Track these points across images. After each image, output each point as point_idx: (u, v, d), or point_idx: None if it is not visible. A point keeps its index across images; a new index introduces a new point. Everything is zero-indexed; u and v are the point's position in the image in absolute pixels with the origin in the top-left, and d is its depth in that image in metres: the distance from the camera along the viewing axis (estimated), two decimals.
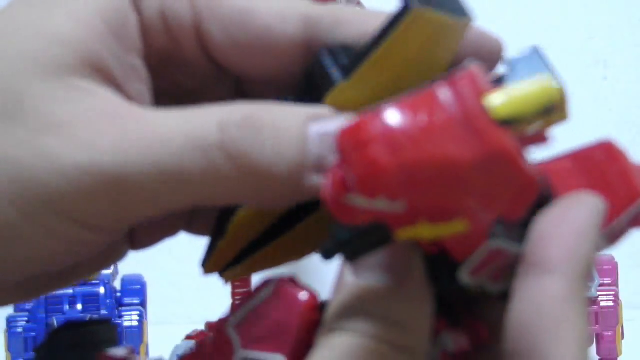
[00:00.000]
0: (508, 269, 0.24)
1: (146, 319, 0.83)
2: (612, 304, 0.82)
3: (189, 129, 0.25)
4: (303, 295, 0.26)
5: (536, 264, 0.23)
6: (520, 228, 0.24)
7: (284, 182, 0.25)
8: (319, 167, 0.25)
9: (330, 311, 0.24)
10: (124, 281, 0.84)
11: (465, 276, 0.24)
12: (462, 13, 0.26)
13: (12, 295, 0.29)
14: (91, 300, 0.79)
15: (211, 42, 0.28)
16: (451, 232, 0.22)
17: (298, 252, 0.30)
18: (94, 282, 0.80)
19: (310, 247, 0.30)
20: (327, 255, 0.24)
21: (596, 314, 0.82)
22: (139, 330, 0.81)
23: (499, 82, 0.26)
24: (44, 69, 0.26)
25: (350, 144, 0.21)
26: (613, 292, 0.83)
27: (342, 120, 0.25)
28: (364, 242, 0.23)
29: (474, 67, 0.22)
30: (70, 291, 0.79)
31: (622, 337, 0.84)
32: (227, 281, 0.30)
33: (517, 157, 0.21)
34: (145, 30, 0.28)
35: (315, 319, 0.26)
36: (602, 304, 0.82)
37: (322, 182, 0.23)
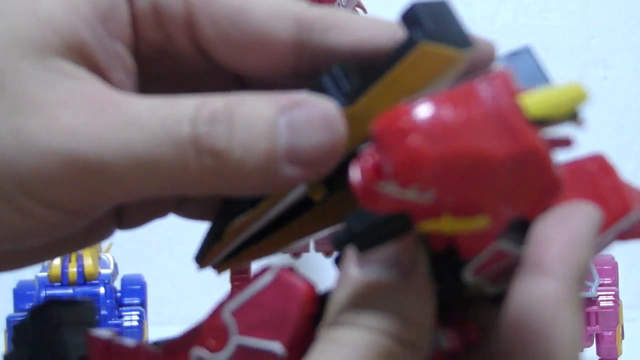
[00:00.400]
0: (505, 272, 0.25)
1: (146, 319, 0.83)
2: (612, 304, 0.82)
3: (165, 121, 0.25)
4: (303, 285, 0.27)
5: (533, 265, 0.23)
6: (519, 232, 0.24)
7: (256, 175, 0.25)
8: (292, 158, 0.25)
9: (334, 304, 0.25)
10: (124, 281, 0.84)
11: (468, 274, 0.25)
12: (465, 43, 0.27)
13: None
14: (91, 301, 0.79)
15: (203, 37, 0.28)
16: (471, 228, 0.23)
17: (288, 244, 0.30)
18: (94, 282, 0.80)
19: (299, 238, 0.30)
20: (339, 245, 0.24)
21: (596, 314, 0.82)
22: (139, 330, 0.81)
23: None
24: (26, 49, 0.26)
25: (390, 131, 0.21)
26: (613, 292, 0.83)
27: (317, 106, 0.25)
28: (377, 235, 0.24)
29: (504, 69, 0.22)
30: (70, 291, 0.79)
31: (622, 337, 0.84)
32: (219, 273, 0.30)
33: (548, 156, 0.22)
34: (136, 20, 0.28)
35: (313, 310, 0.27)
36: (602, 304, 0.82)
37: (354, 172, 0.23)
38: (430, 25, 0.25)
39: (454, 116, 0.21)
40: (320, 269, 0.96)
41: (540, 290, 0.23)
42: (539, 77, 0.27)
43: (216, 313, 0.28)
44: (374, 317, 0.23)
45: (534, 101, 0.22)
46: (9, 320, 0.79)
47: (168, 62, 0.29)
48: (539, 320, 0.23)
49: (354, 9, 0.68)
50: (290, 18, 0.28)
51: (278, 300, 0.26)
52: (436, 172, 0.21)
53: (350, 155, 0.25)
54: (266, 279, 0.27)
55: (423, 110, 0.21)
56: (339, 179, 0.25)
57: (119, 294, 0.83)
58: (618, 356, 0.83)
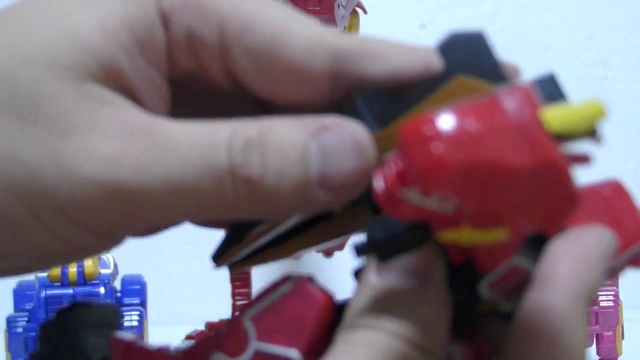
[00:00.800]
0: (519, 289, 0.25)
1: (146, 319, 0.83)
2: (612, 304, 0.82)
3: (202, 149, 0.25)
4: (321, 294, 0.27)
5: (544, 280, 0.24)
6: (535, 249, 0.25)
7: (290, 200, 0.25)
8: (324, 183, 0.25)
9: (352, 309, 0.25)
10: (124, 281, 0.84)
11: (484, 288, 0.25)
12: (500, 77, 0.27)
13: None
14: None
15: (236, 67, 0.28)
16: (490, 240, 0.23)
17: (304, 249, 0.30)
18: (94, 282, 0.80)
19: (315, 245, 0.30)
20: (360, 253, 0.25)
21: (596, 314, 0.82)
22: (139, 331, 0.81)
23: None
24: (63, 72, 0.25)
25: (414, 138, 0.22)
26: (613, 292, 0.83)
27: (348, 130, 0.26)
28: (398, 244, 0.24)
29: (527, 84, 0.23)
30: (70, 291, 0.79)
31: (622, 337, 0.83)
32: (234, 273, 0.30)
33: (567, 169, 0.22)
34: (170, 47, 0.28)
35: (330, 319, 0.27)
36: (602, 304, 0.82)
37: (376, 182, 0.23)
38: (467, 59, 0.26)
39: (477, 126, 0.22)
40: (320, 270, 0.96)
41: (548, 303, 0.24)
42: (560, 102, 0.28)
43: (237, 319, 0.28)
44: (391, 321, 0.24)
45: (554, 116, 0.23)
46: (9, 320, 0.79)
47: (199, 87, 0.29)
48: (546, 332, 0.23)
49: (354, 9, 0.69)
50: (327, 50, 0.28)
51: (296, 308, 0.27)
52: (458, 179, 0.21)
53: None
54: (286, 287, 0.28)
55: (447, 119, 0.22)
56: (363, 198, 0.26)
57: (119, 294, 0.82)
58: (618, 356, 0.83)
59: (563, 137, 0.23)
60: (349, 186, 0.25)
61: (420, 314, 0.24)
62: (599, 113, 0.23)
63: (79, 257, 0.28)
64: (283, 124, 0.26)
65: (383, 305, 0.24)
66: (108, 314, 0.34)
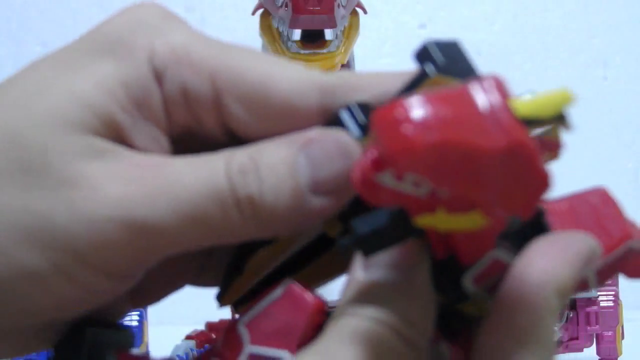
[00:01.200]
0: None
1: (146, 319, 0.83)
2: (612, 304, 0.82)
3: (203, 177, 0.27)
4: (312, 298, 0.28)
5: (518, 273, 0.25)
6: (516, 245, 0.26)
7: (289, 212, 0.27)
8: (316, 189, 0.27)
9: (340, 304, 0.26)
10: None
11: (468, 282, 0.26)
12: (474, 76, 0.28)
13: (27, 344, 0.30)
14: None
15: (231, 117, 0.29)
16: (467, 227, 0.24)
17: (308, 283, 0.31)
18: None
19: (320, 281, 0.31)
20: (345, 249, 0.25)
21: (596, 314, 0.82)
22: (139, 330, 0.81)
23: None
24: (67, 127, 0.27)
25: (385, 121, 0.22)
26: (613, 292, 0.83)
27: (331, 137, 0.28)
28: (381, 238, 0.25)
29: (496, 75, 0.24)
30: None
31: (622, 337, 0.84)
32: (238, 312, 0.31)
33: (536, 152, 0.23)
34: (166, 103, 0.29)
35: (321, 321, 0.28)
36: (602, 304, 0.82)
37: (354, 166, 0.25)
38: (442, 61, 0.27)
39: (447, 110, 0.22)
40: None
41: (519, 298, 0.24)
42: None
43: (232, 325, 0.29)
44: (375, 310, 0.25)
45: (522, 102, 0.24)
46: None
47: (196, 141, 0.30)
48: (516, 325, 0.24)
49: (354, 9, 0.68)
50: (314, 87, 0.29)
51: (288, 312, 0.28)
52: (427, 160, 0.22)
53: None
54: (278, 292, 0.28)
55: (417, 104, 0.22)
56: (353, 214, 0.26)
57: None
58: (618, 356, 0.83)
59: (532, 122, 0.24)
60: (340, 188, 0.27)
61: (404, 305, 0.25)
62: (566, 99, 0.24)
63: (96, 302, 0.29)
64: (272, 145, 0.28)
65: (368, 296, 0.25)
66: (122, 337, 0.34)
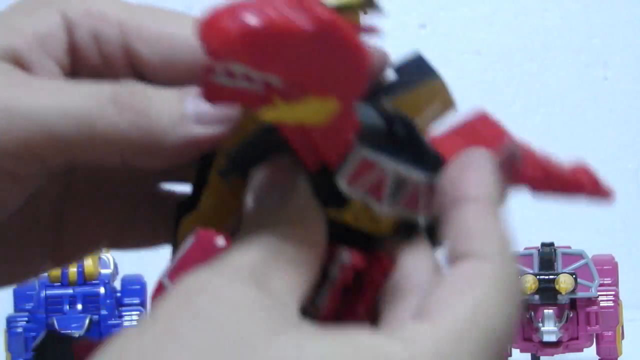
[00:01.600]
0: (420, 201, 0.28)
1: None
2: (612, 304, 0.83)
3: (92, 87, 0.30)
4: (220, 240, 0.29)
5: (459, 197, 0.28)
6: (390, 149, 0.28)
7: (170, 131, 0.30)
8: (199, 119, 0.30)
9: (236, 237, 0.27)
10: (124, 281, 0.84)
11: (343, 185, 0.27)
12: (433, 75, 0.31)
13: None
14: (91, 300, 0.79)
15: (140, 60, 0.32)
16: (313, 117, 0.25)
17: None
18: (94, 282, 0.80)
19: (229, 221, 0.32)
20: (224, 173, 0.29)
21: (596, 314, 0.82)
22: None
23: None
24: None
25: (203, 25, 0.24)
26: (613, 292, 0.83)
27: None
28: (250, 154, 0.28)
29: None
30: (70, 291, 0.79)
31: (622, 337, 0.84)
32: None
33: (347, 32, 0.24)
34: (76, 49, 0.33)
35: None
36: (602, 304, 0.82)
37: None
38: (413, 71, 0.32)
39: (257, 3, 0.24)
40: None
41: (469, 211, 0.27)
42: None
43: (159, 281, 0.30)
44: (262, 237, 0.26)
45: None
46: (9, 320, 0.79)
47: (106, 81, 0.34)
48: (472, 230, 0.27)
49: None
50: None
51: (201, 255, 0.29)
52: (243, 47, 0.23)
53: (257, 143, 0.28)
54: (189, 240, 0.30)
55: (230, 4, 0.24)
56: (245, 162, 0.29)
57: (119, 294, 0.83)
58: (618, 356, 0.83)
59: (342, 8, 0.26)
60: (218, 121, 0.30)
61: (284, 229, 0.26)
62: None
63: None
64: (162, 89, 0.31)
65: (254, 226, 0.27)
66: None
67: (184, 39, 0.32)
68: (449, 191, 0.28)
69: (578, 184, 0.32)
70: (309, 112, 0.25)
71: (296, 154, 0.27)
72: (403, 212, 0.28)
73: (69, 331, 0.76)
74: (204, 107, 0.30)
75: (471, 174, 0.28)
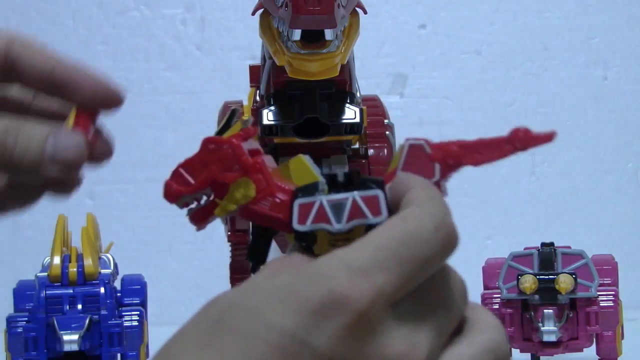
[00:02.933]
0: (364, 209, 0.35)
1: (146, 319, 0.83)
2: (612, 304, 0.82)
3: None
4: None
5: (410, 199, 0.34)
6: (345, 188, 0.36)
7: (32, 163, 0.42)
8: (54, 160, 0.42)
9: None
10: (124, 281, 0.84)
11: (296, 226, 0.36)
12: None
13: None
14: (91, 300, 0.79)
15: (20, 68, 0.44)
16: (242, 198, 0.38)
17: None
18: (94, 282, 0.80)
19: None
20: (251, 263, 0.40)
21: (596, 314, 0.82)
22: (139, 330, 0.81)
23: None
24: None
25: (164, 186, 0.39)
26: (613, 292, 0.83)
27: (73, 135, 0.43)
28: (253, 246, 0.40)
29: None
30: (70, 291, 0.79)
31: (622, 337, 0.84)
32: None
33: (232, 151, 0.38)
34: None
35: None
36: (602, 304, 0.82)
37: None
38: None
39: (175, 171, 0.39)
40: None
41: (414, 194, 0.34)
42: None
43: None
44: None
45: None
46: (9, 320, 0.79)
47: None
48: (415, 202, 0.34)
49: (354, 9, 0.68)
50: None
51: None
52: (176, 197, 0.39)
53: None
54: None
55: (171, 174, 0.39)
56: (257, 253, 0.40)
57: (119, 294, 0.83)
58: (618, 356, 0.83)
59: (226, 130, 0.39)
60: (68, 164, 0.42)
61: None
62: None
63: None
64: (32, 123, 0.43)
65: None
66: None
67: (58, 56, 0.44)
68: (400, 187, 0.35)
69: (512, 138, 0.36)
70: (238, 196, 0.38)
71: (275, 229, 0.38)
72: (356, 222, 0.35)
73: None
74: (61, 150, 0.42)
75: (413, 184, 0.35)
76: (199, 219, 0.39)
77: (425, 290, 0.32)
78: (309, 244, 0.36)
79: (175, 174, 0.38)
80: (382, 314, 0.31)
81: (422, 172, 0.36)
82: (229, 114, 0.40)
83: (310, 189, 0.36)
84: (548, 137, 0.35)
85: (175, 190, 0.38)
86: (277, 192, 0.37)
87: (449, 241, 0.33)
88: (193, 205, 0.39)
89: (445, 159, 0.37)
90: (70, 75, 0.43)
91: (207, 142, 0.38)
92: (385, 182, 0.36)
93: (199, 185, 0.38)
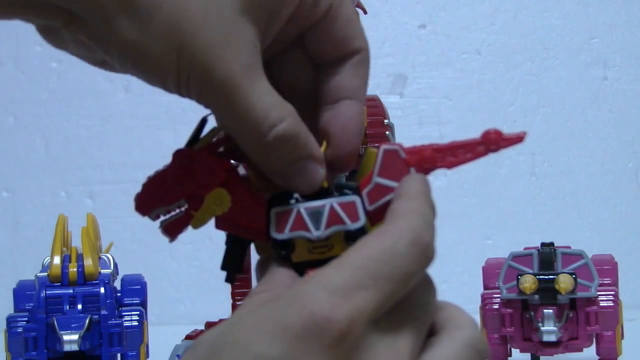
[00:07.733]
0: (342, 215, 0.36)
1: (146, 319, 0.83)
2: (612, 304, 0.82)
3: None
4: None
5: (391, 211, 0.35)
6: (322, 195, 0.37)
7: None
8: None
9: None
10: (124, 281, 0.84)
11: (274, 235, 0.36)
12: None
13: None
14: (91, 300, 0.79)
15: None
16: (217, 208, 0.37)
17: None
18: (94, 282, 0.80)
19: None
20: (227, 280, 0.40)
21: (596, 314, 0.82)
22: (139, 330, 0.81)
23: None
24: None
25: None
26: (613, 292, 0.83)
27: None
28: (229, 257, 0.39)
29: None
30: (70, 291, 0.79)
31: (622, 337, 0.84)
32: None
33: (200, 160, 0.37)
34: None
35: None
36: (602, 304, 0.82)
37: None
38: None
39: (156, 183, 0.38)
40: None
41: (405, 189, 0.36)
42: None
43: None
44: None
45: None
46: (9, 320, 0.79)
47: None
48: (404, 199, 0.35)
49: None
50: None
51: None
52: (146, 209, 0.38)
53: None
54: None
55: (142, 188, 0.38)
56: (232, 264, 0.40)
57: (119, 294, 0.83)
58: (618, 356, 0.83)
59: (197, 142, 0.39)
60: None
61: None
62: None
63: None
64: None
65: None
66: None
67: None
68: (395, 194, 0.36)
69: (484, 139, 0.36)
70: (213, 207, 0.37)
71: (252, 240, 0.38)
72: (335, 229, 0.36)
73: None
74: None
75: (408, 193, 0.36)
76: (173, 230, 0.38)
77: (403, 298, 0.33)
78: (287, 253, 0.36)
79: (146, 188, 0.37)
80: (364, 331, 0.32)
81: (399, 177, 0.37)
82: (199, 123, 0.39)
83: (284, 197, 0.36)
84: (519, 138, 0.36)
85: (147, 204, 0.37)
86: (252, 201, 0.37)
87: (424, 255, 0.33)
88: (166, 217, 0.38)
89: (420, 163, 0.37)
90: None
91: (179, 155, 0.37)
92: (361, 188, 0.36)
93: (172, 199, 0.37)
